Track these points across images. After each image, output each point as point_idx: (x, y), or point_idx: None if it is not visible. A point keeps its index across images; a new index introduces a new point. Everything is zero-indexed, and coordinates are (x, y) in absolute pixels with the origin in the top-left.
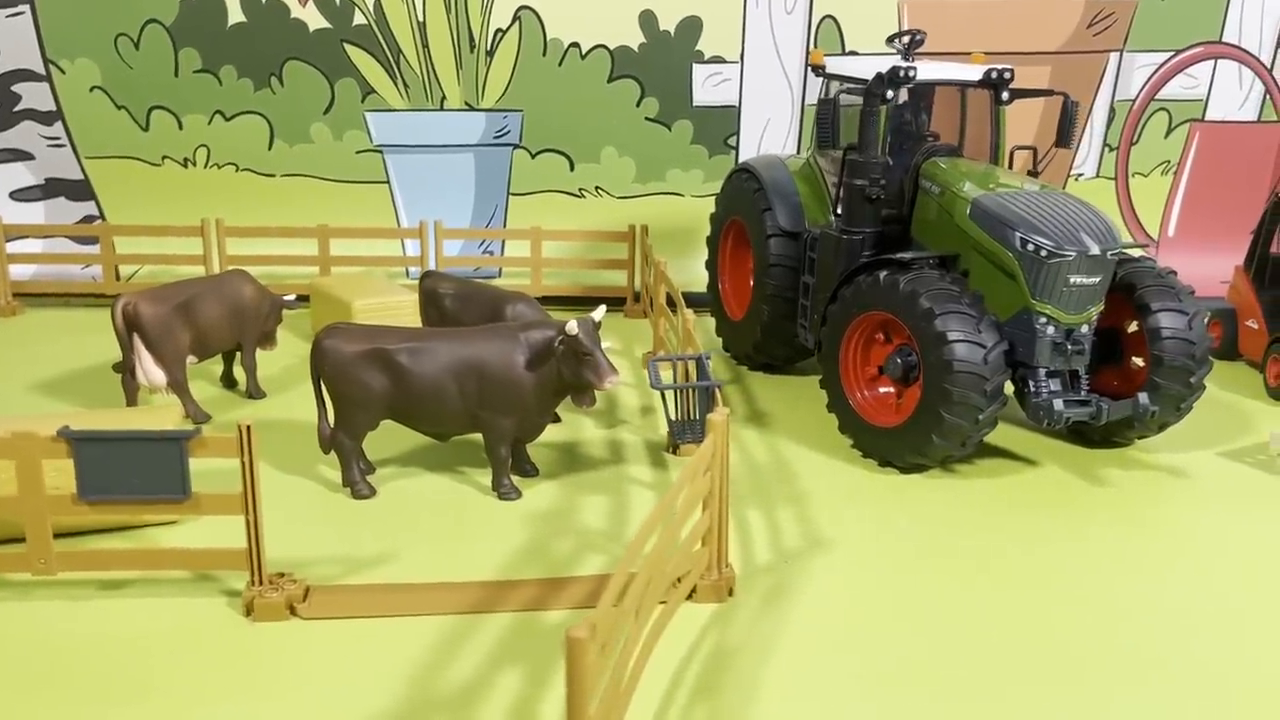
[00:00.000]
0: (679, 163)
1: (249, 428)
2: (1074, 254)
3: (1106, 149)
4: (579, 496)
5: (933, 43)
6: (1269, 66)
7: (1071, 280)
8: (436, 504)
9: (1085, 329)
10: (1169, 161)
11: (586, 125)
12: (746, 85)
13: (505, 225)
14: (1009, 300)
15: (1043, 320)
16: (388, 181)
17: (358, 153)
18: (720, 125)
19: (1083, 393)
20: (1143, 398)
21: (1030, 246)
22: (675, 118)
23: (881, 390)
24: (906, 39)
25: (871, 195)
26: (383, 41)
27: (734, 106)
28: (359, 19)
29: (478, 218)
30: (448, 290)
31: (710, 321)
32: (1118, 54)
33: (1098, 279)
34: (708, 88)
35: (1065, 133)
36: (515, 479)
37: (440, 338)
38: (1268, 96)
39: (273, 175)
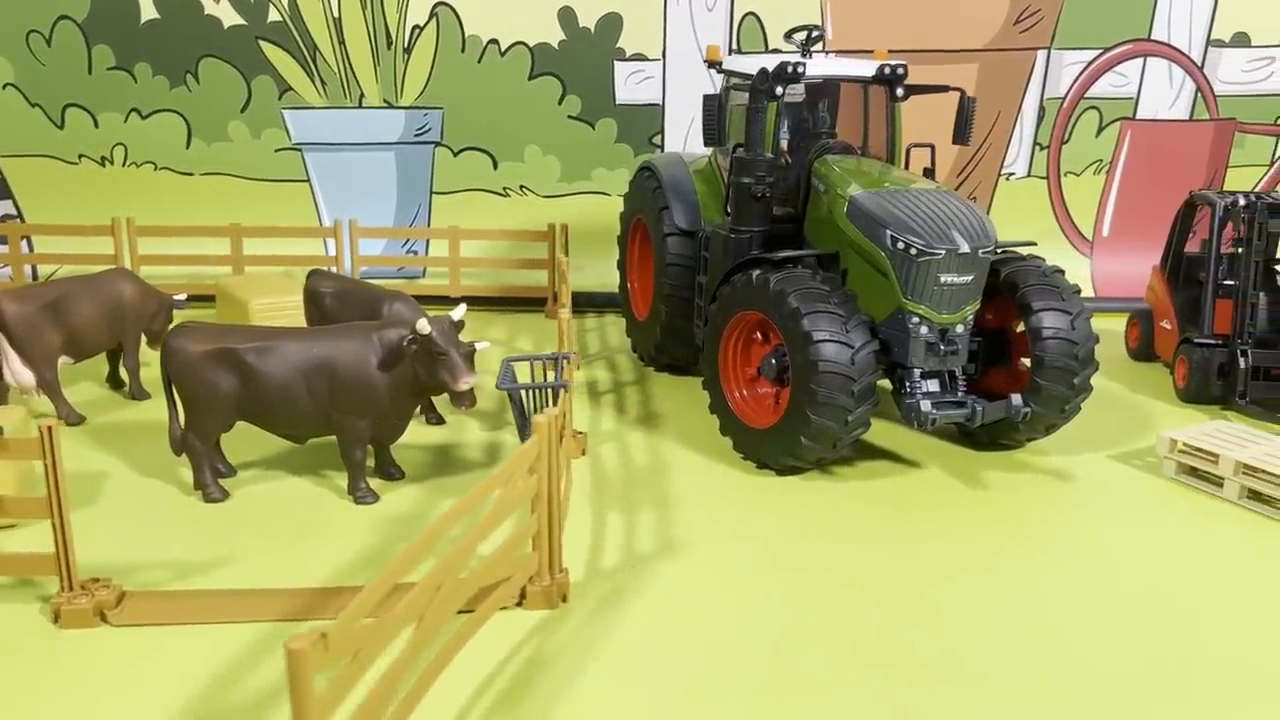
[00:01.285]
0: (604, 161)
1: (50, 428)
2: (943, 252)
3: (1037, 148)
4: (439, 501)
5: (856, 41)
6: (1199, 64)
7: (943, 279)
8: (289, 508)
9: (960, 329)
10: (1101, 160)
11: (508, 123)
12: (669, 83)
13: (429, 224)
14: (884, 300)
15: (916, 320)
16: (308, 180)
17: (277, 151)
18: (644, 124)
19: (959, 394)
20: (1016, 399)
21: (901, 245)
22: (599, 116)
23: (761, 391)
24: (803, 35)
25: (757, 194)
26: (298, 38)
27: (658, 105)
28: (274, 15)
29: (401, 217)
30: (328, 289)
31: (622, 322)
32: (1045, 52)
33: (970, 278)
34: (630, 86)
35: (962, 130)
36: (379, 482)
37: (290, 337)
38: (1199, 95)
39: (191, 174)
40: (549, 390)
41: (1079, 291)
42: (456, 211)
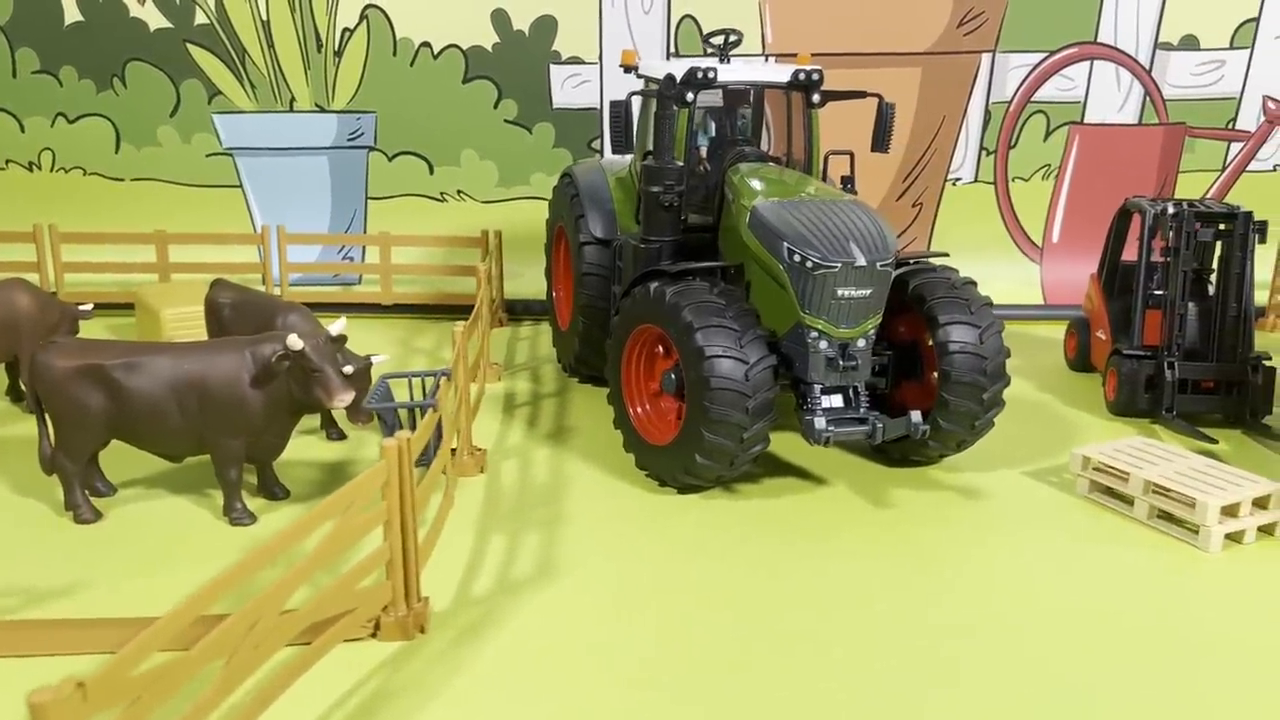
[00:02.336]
0: (543, 166)
1: None
2: (839, 265)
3: (984, 152)
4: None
5: (796, 45)
6: (1147, 68)
7: (840, 293)
8: (162, 529)
9: (862, 343)
10: (1049, 165)
11: (443, 127)
12: (607, 87)
13: (365, 230)
14: (785, 314)
15: (814, 335)
16: (241, 186)
17: (208, 156)
18: (582, 128)
19: (862, 410)
20: (915, 416)
21: (797, 257)
22: (536, 120)
23: (664, 406)
24: (721, 39)
25: (665, 203)
26: (226, 41)
27: (595, 109)
28: (200, 18)
29: (337, 223)
30: (226, 300)
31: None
32: (990, 55)
33: (868, 291)
34: (567, 89)
35: (881, 137)
36: (262, 502)
37: (162, 353)
38: (1148, 98)
39: (122, 179)
40: (424, 410)
41: (991, 304)
42: (393, 217)
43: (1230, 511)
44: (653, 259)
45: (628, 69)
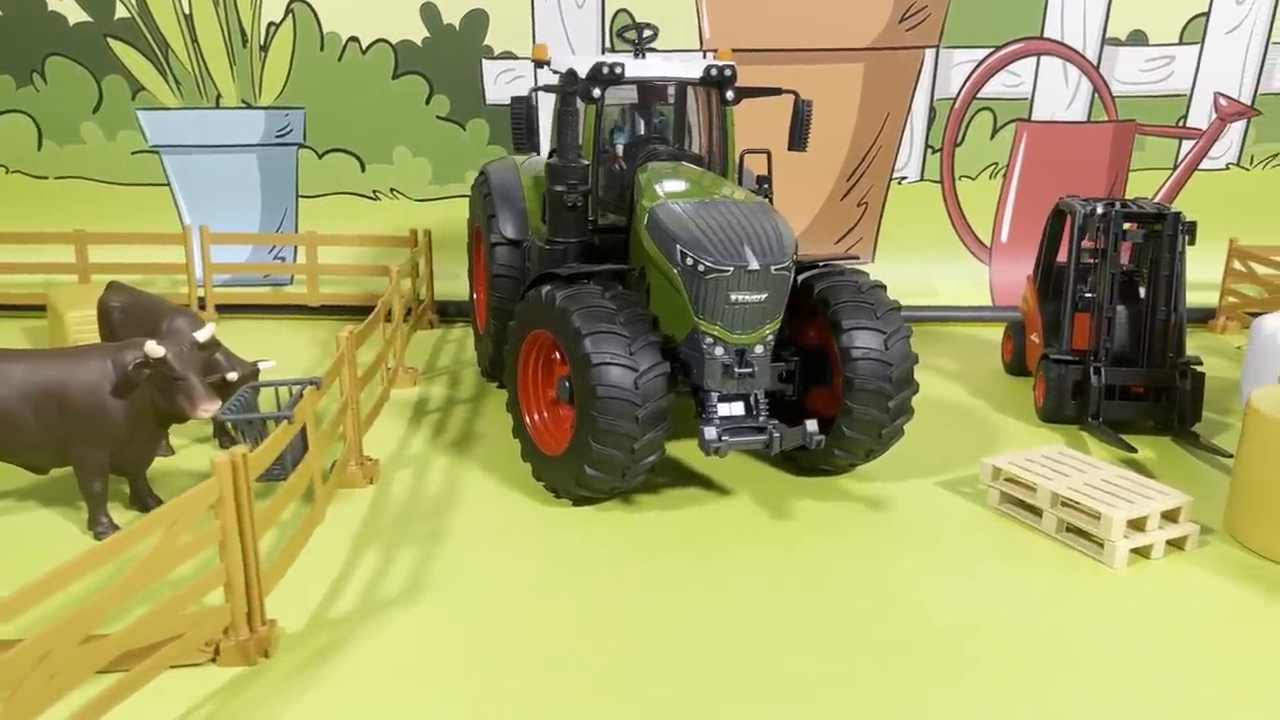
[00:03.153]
0: (477, 163)
1: None
2: (731, 269)
3: (930, 150)
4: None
5: (734, 41)
6: (1095, 64)
7: (733, 297)
8: (22, 544)
9: (760, 349)
10: (997, 163)
11: (374, 124)
12: (542, 82)
13: (297, 229)
14: (683, 319)
15: (709, 341)
16: (168, 184)
17: (133, 153)
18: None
19: (761, 418)
20: (811, 426)
21: (689, 261)
22: (469, 116)
23: (561, 414)
24: (634, 33)
25: (569, 203)
26: (149, 36)
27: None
28: (121, 12)
29: (268, 222)
30: (117, 303)
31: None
32: (934, 50)
33: (764, 296)
34: (500, 85)
35: (797, 135)
36: (134, 515)
37: (18, 359)
38: (1096, 95)
39: (45, 178)
40: (276, 421)
41: (899, 308)
42: (325, 216)
43: (1137, 525)
44: (558, 260)
45: (540, 64)
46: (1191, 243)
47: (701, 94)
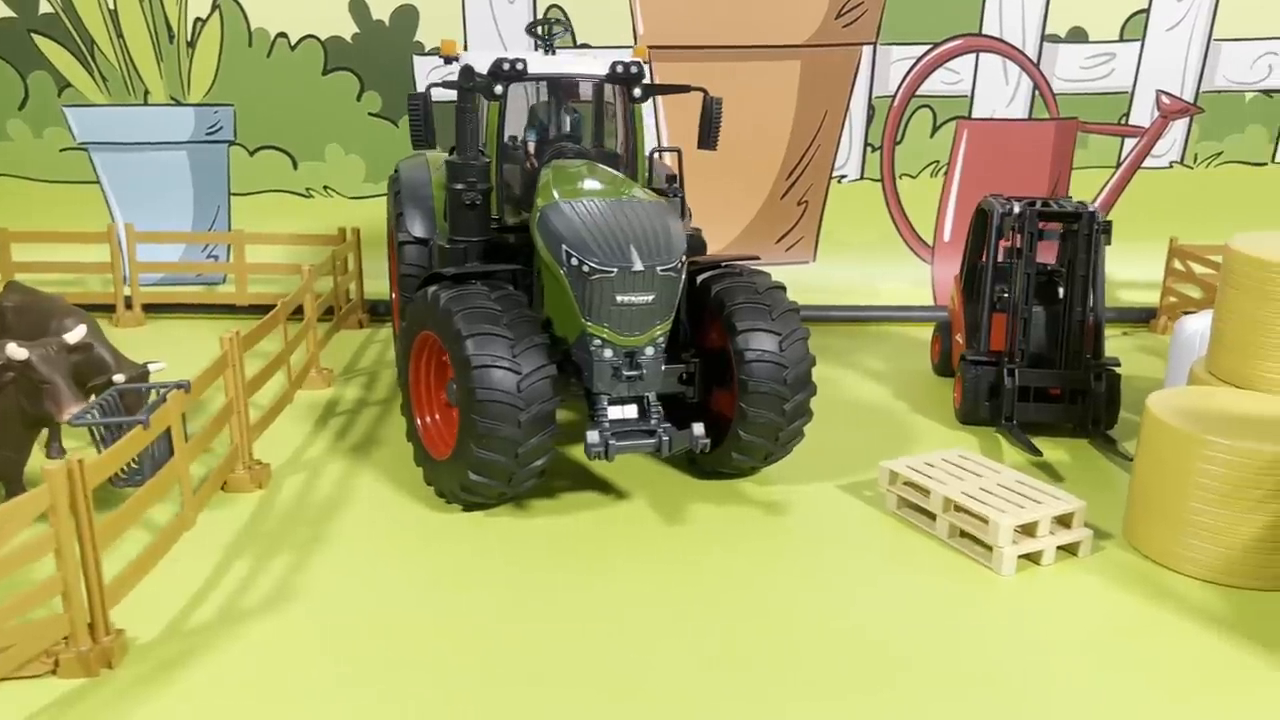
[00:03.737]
0: None
1: None
2: (615, 270)
3: (869, 149)
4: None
5: (668, 37)
6: (1035, 61)
7: (619, 299)
8: None
9: (650, 351)
10: (938, 162)
11: (305, 121)
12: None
13: (230, 227)
14: (574, 321)
15: (598, 343)
16: (99, 182)
17: (62, 151)
18: (451, 121)
19: (652, 421)
20: (697, 429)
21: (575, 261)
22: (401, 113)
23: (453, 417)
24: (543, 28)
25: (467, 201)
26: (74, 32)
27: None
28: (45, 7)
29: (200, 220)
30: (11, 303)
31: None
32: (871, 47)
33: (651, 297)
34: (432, 81)
35: (707, 134)
36: None
37: None
38: (1037, 92)
39: None
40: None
41: (797, 310)
42: (258, 213)
43: (1028, 530)
44: (458, 260)
45: (448, 59)
46: (1108, 242)
47: (611, 91)
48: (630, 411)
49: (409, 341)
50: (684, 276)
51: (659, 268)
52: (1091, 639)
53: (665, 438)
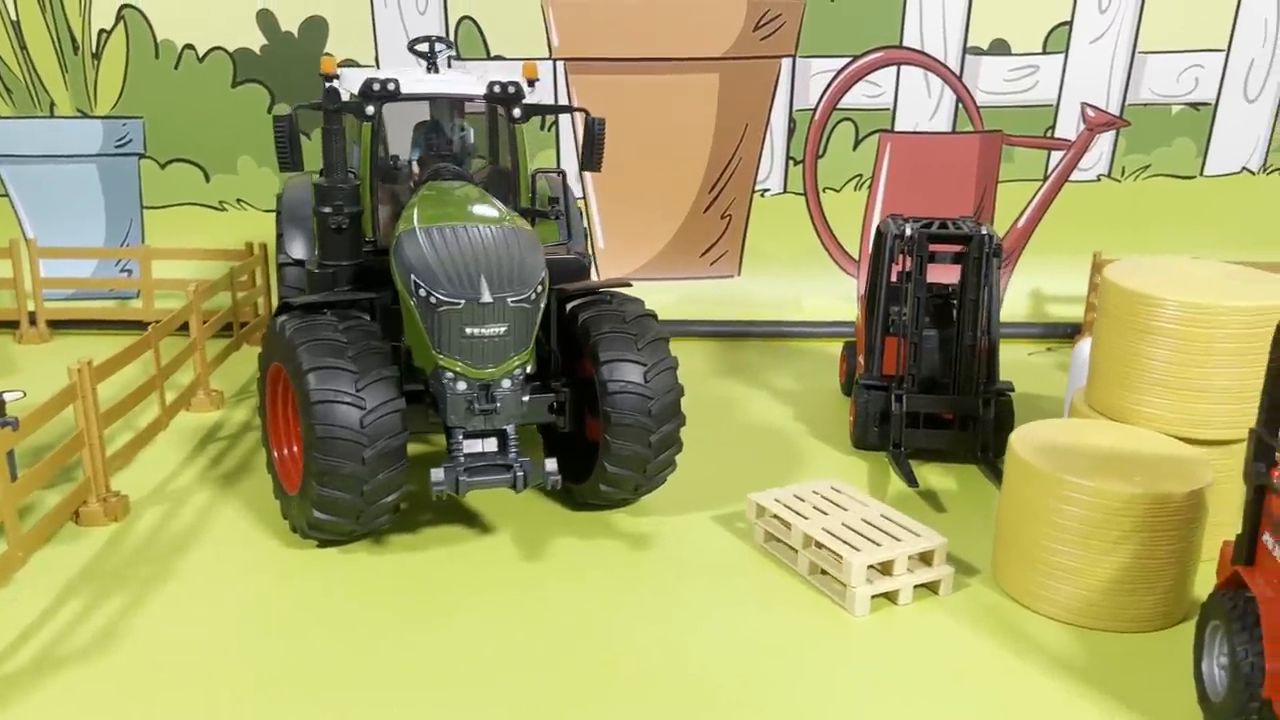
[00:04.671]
0: None
1: None
2: (463, 303)
3: (791, 162)
4: None
5: (584, 49)
6: (958, 73)
7: (468, 331)
8: None
9: (506, 384)
10: (861, 175)
11: (216, 133)
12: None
13: (143, 240)
14: (429, 353)
15: (450, 376)
16: (7, 196)
17: None
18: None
19: (510, 455)
20: (549, 465)
21: (423, 292)
22: (313, 125)
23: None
24: (426, 46)
25: (334, 224)
26: None
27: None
28: None
29: (113, 233)
30: None
31: None
32: (790, 60)
33: (503, 329)
34: (345, 93)
35: (589, 155)
36: None
37: None
38: (960, 105)
39: None
40: None
41: (666, 339)
42: (171, 227)
43: (886, 569)
44: (327, 284)
45: (327, 78)
46: (999, 266)
47: (493, 111)
48: (490, 445)
49: (264, 371)
50: (542, 306)
51: (510, 299)
52: (930, 682)
53: (520, 473)
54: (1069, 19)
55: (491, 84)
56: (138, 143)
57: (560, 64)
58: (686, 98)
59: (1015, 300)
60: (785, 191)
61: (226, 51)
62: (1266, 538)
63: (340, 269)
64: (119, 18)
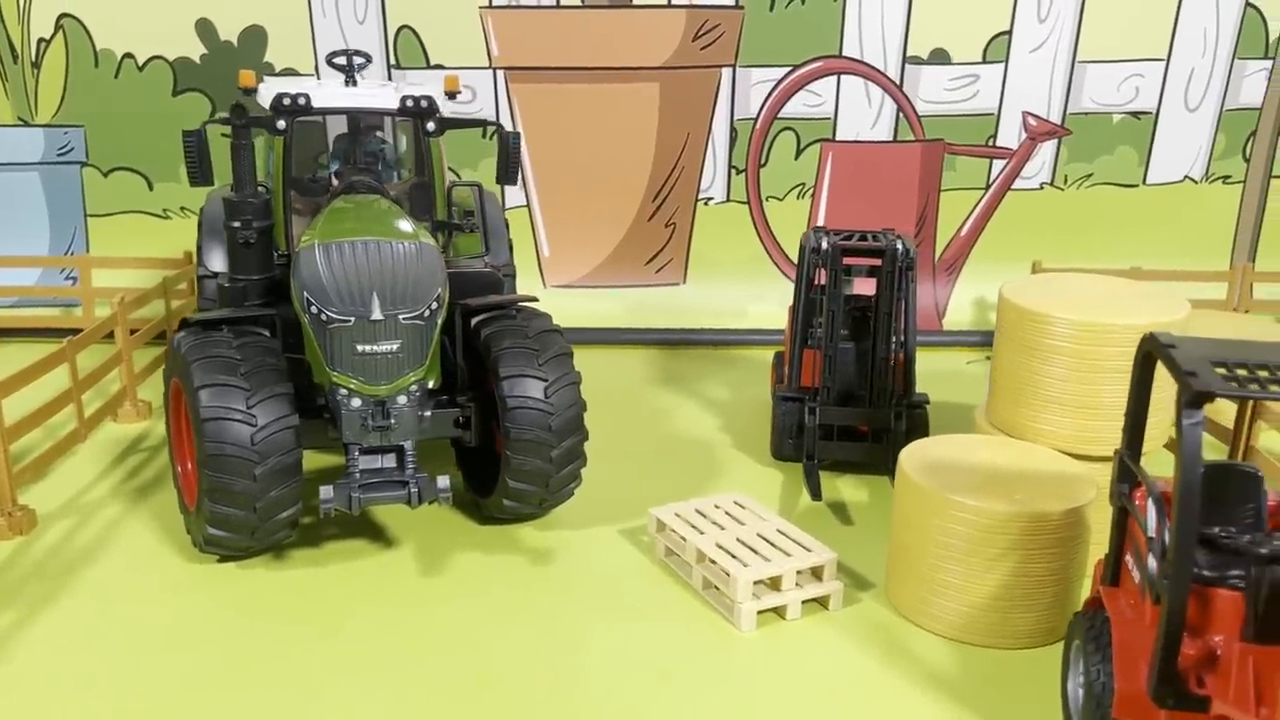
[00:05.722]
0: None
1: None
2: (353, 320)
3: (734, 171)
4: None
5: (523, 58)
6: (898, 83)
7: (359, 349)
8: None
9: (402, 400)
10: (804, 184)
11: (158, 142)
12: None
13: (88, 248)
14: (325, 369)
15: (344, 393)
16: None
17: None
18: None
19: (408, 471)
20: (442, 481)
21: (314, 309)
22: (255, 133)
23: None
24: (343, 59)
25: (242, 239)
26: None
27: (319, 121)
28: None
29: (56, 241)
30: None
31: None
32: (730, 69)
33: (395, 346)
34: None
35: (505, 169)
36: None
37: None
38: (901, 114)
39: None
40: None
41: (569, 354)
42: (116, 235)
43: (775, 584)
44: (237, 298)
45: (247, 91)
46: (914, 279)
47: (410, 125)
48: (389, 461)
49: (166, 386)
50: (439, 322)
51: (402, 316)
52: (803, 698)
53: (415, 489)
54: (1008, 29)
55: (404, 98)
56: (79, 151)
57: (500, 73)
58: (628, 107)
59: (959, 309)
60: (729, 200)
61: (166, 60)
62: (1129, 558)
63: (251, 283)
64: (58, 27)
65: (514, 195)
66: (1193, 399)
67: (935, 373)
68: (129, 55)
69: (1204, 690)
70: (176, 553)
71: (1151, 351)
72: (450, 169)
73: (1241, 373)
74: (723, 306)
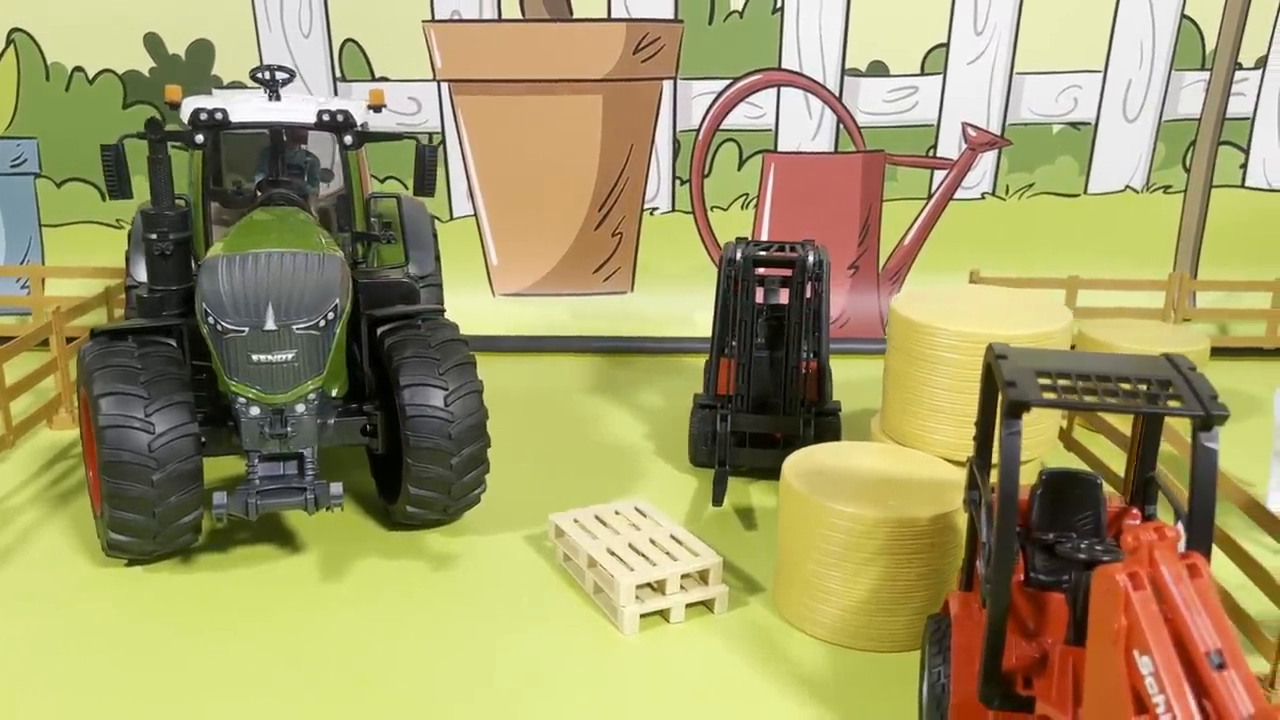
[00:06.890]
0: None
1: None
2: (247, 330)
3: (678, 182)
4: None
5: (466, 70)
6: (838, 95)
7: (254, 358)
8: None
9: (300, 408)
10: (748, 194)
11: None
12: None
13: (43, 259)
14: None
15: (243, 401)
16: None
17: None
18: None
19: (307, 478)
20: (334, 488)
21: (211, 320)
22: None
23: None
24: (267, 74)
25: (158, 250)
26: None
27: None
28: None
29: (12, 251)
30: None
31: None
32: (671, 82)
33: (290, 355)
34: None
35: (422, 180)
36: None
37: None
38: (841, 126)
39: None
40: None
41: (472, 363)
42: (71, 245)
43: (659, 588)
44: (155, 309)
45: (174, 106)
46: (824, 290)
47: (330, 137)
48: (290, 468)
49: (79, 394)
50: (336, 332)
51: (297, 326)
52: (672, 700)
53: (312, 495)
54: (945, 41)
55: (320, 112)
56: (33, 163)
57: (445, 85)
58: (571, 118)
59: None
60: (674, 210)
61: (116, 74)
62: (979, 564)
63: (168, 294)
64: (9, 40)
65: (462, 205)
66: (1010, 408)
67: (874, 380)
68: (79, 69)
69: (1030, 691)
70: (88, 557)
71: (989, 362)
72: (395, 179)
73: (1063, 383)
74: (670, 314)
